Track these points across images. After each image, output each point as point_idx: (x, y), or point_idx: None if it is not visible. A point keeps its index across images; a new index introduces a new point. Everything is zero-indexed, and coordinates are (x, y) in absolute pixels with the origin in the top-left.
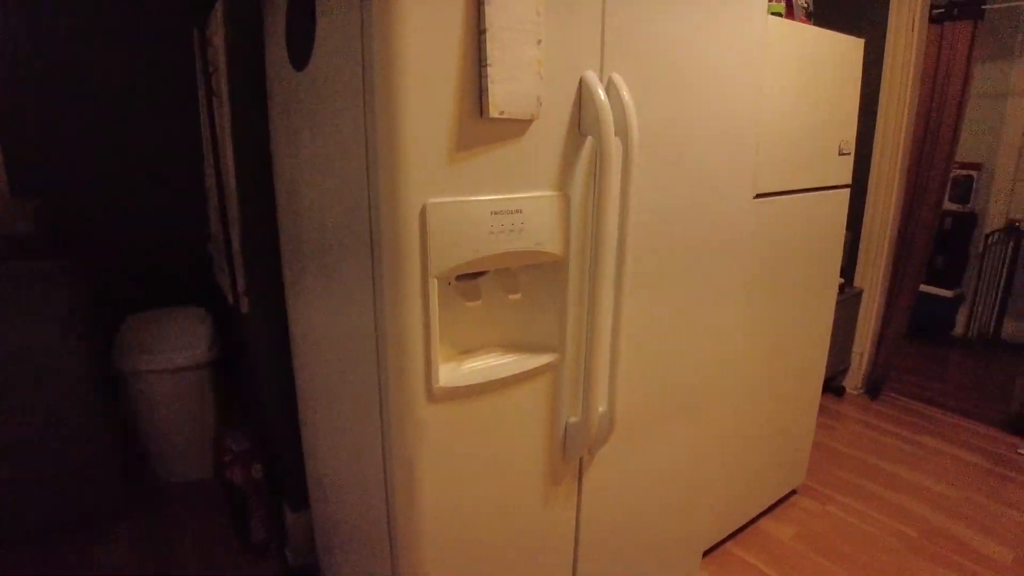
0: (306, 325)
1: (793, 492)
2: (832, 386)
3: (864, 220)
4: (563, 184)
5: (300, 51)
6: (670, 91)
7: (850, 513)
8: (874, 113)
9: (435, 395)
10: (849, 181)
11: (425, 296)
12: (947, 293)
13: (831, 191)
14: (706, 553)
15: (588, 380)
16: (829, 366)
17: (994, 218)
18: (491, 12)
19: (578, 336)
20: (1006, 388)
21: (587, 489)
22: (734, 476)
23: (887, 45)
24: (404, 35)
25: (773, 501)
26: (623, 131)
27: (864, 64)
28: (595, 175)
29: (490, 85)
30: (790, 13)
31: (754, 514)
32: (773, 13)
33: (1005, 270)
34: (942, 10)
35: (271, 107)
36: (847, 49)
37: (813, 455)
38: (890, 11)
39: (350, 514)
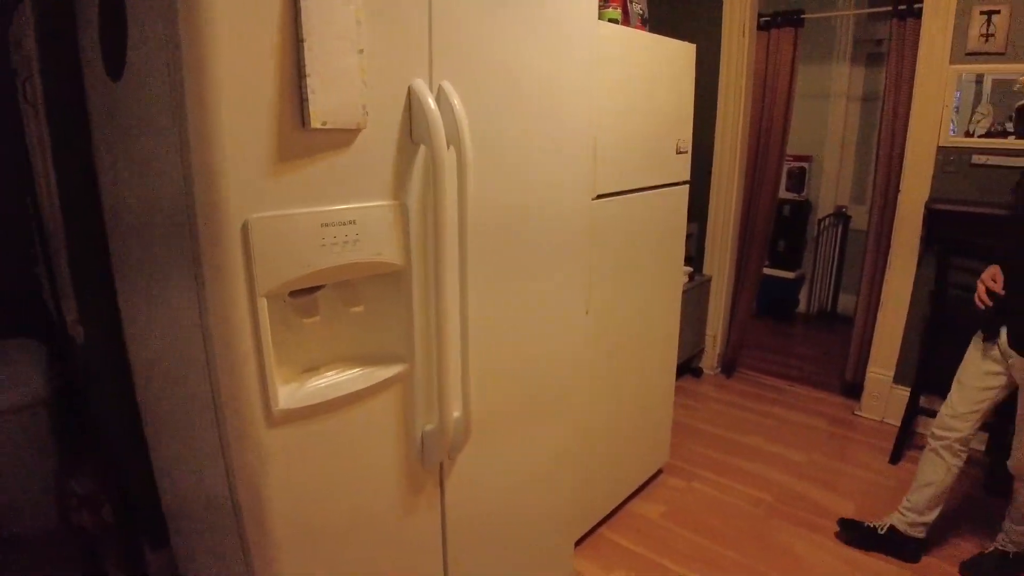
0: (144, 352)
1: (660, 472)
2: (690, 368)
3: (709, 212)
4: (399, 193)
5: (115, 59)
6: (505, 98)
7: (713, 486)
8: (715, 113)
9: (276, 419)
10: (688, 178)
11: (255, 316)
12: (789, 275)
13: (671, 188)
14: (581, 540)
15: (440, 387)
16: (686, 349)
17: (825, 205)
18: (308, 22)
19: (427, 344)
20: (842, 357)
21: (450, 493)
22: (600, 463)
23: (722, 50)
24: (215, 45)
25: (641, 482)
26: (456, 138)
27: (703, 68)
28: (431, 183)
29: (311, 95)
30: (626, 20)
31: (624, 497)
32: (610, 19)
33: (837, 251)
34: (768, 18)
35: (93, 118)
36: (680, 54)
37: (676, 434)
38: (723, 19)
39: (208, 545)
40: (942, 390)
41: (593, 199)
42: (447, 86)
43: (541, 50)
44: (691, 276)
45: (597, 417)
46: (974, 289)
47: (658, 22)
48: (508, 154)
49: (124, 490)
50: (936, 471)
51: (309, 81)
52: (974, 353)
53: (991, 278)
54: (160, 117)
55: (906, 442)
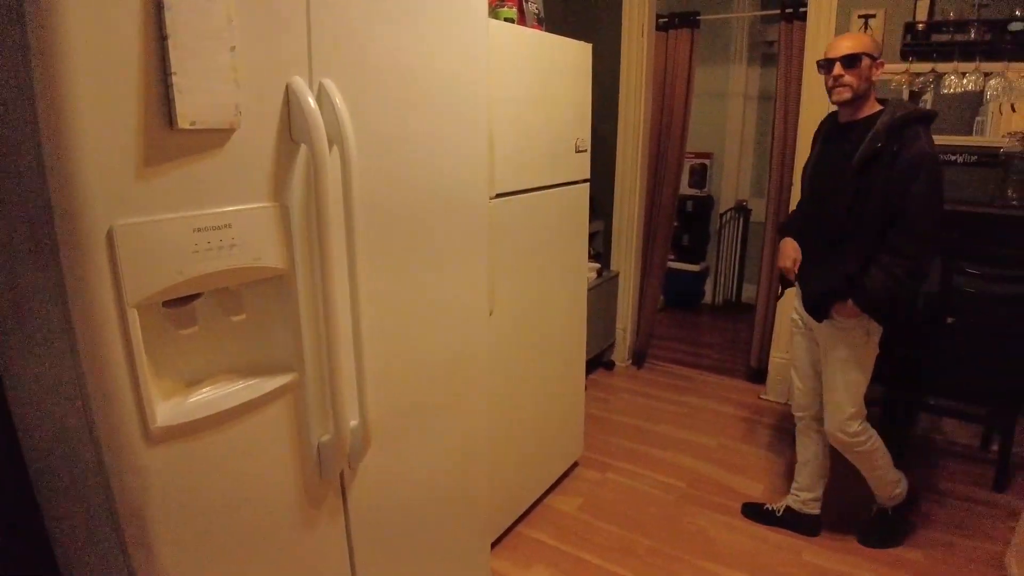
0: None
1: (576, 465)
2: (603, 361)
3: (614, 209)
4: (279, 194)
5: None
6: (394, 96)
7: (628, 476)
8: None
9: (155, 437)
10: (587, 176)
11: (125, 329)
12: (694, 267)
13: (571, 186)
14: (499, 540)
15: (334, 396)
16: (597, 343)
17: (726, 199)
18: (173, 18)
19: (317, 352)
20: (747, 344)
21: (354, 502)
22: (514, 461)
23: (622, 50)
24: (67, 43)
25: (558, 476)
26: (339, 137)
27: (605, 68)
28: (313, 183)
29: (177, 95)
30: (522, 19)
31: (541, 492)
32: (506, 19)
33: (739, 243)
34: (666, 19)
35: None
36: (577, 53)
37: (591, 427)
38: (622, 19)
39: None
40: None
41: (492, 198)
42: (328, 84)
43: (431, 48)
44: (599, 272)
45: (507, 415)
46: None
47: (558, 22)
48: (399, 152)
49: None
50: (808, 449)
51: (175, 80)
52: (794, 333)
53: (791, 261)
54: (18, 127)
55: None
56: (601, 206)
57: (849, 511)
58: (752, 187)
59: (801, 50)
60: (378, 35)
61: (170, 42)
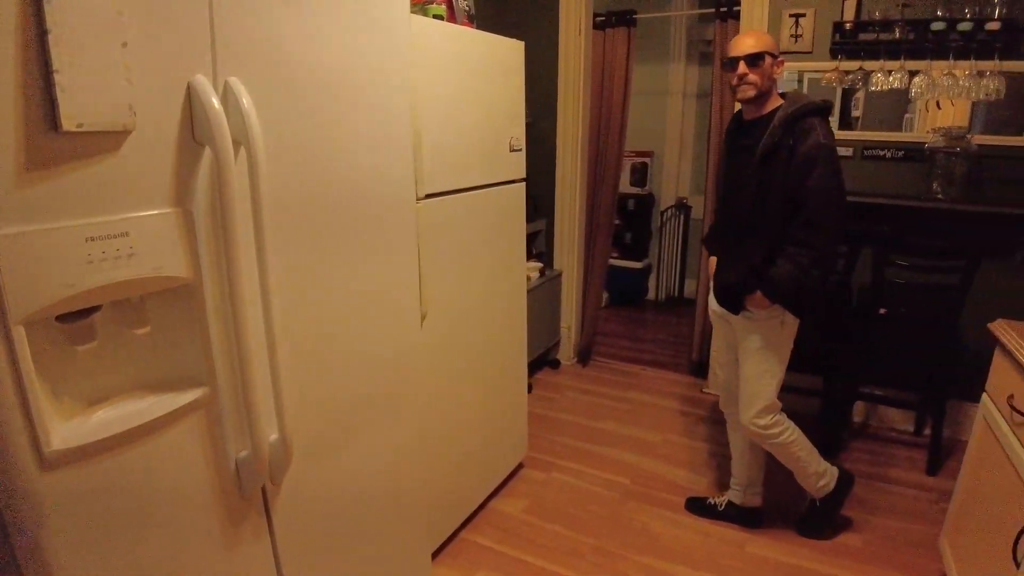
0: None
1: (520, 466)
2: (548, 360)
3: (556, 208)
4: (182, 199)
5: None
6: (308, 95)
7: (573, 475)
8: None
9: (51, 461)
10: (523, 175)
11: (10, 348)
12: (637, 265)
13: (507, 185)
14: (443, 547)
15: (249, 409)
16: (542, 343)
17: (667, 197)
18: (54, 11)
19: (230, 364)
20: (689, 339)
21: (280, 519)
22: (455, 465)
23: (559, 49)
24: None
25: (502, 479)
26: (246, 138)
27: (545, 66)
28: (218, 186)
29: (60, 94)
30: (452, 16)
31: (485, 496)
32: (435, 16)
33: (680, 239)
34: (603, 18)
35: None
36: (509, 51)
37: (536, 426)
38: (560, 18)
39: None
40: None
41: (422, 198)
42: (235, 82)
43: (349, 44)
44: (542, 272)
45: (448, 419)
46: None
47: (493, 20)
48: (315, 152)
49: None
50: (739, 442)
51: (58, 78)
52: (715, 324)
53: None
54: None
55: None
56: (543, 205)
57: (792, 502)
58: (692, 185)
59: None
60: (290, 30)
61: (51, 37)
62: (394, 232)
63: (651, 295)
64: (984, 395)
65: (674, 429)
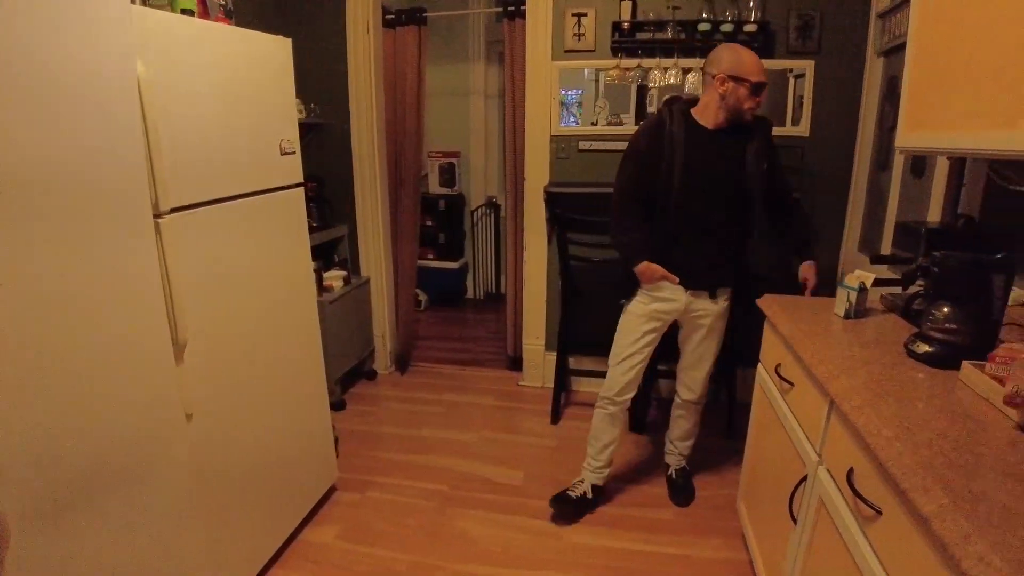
0: None
1: (332, 489)
2: (364, 371)
3: (357, 212)
4: None
5: None
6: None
7: (388, 491)
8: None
9: None
10: (300, 179)
11: None
12: (454, 264)
13: (281, 192)
14: None
15: None
16: (355, 354)
17: (477, 196)
18: None
19: None
20: (505, 334)
21: None
22: (251, 504)
23: (348, 47)
24: None
25: (311, 506)
26: None
27: (332, 65)
28: None
29: None
30: (204, 12)
31: (293, 528)
32: (183, 10)
33: (492, 237)
34: (393, 16)
35: None
36: (274, 49)
37: (353, 444)
38: (346, 15)
39: None
40: (583, 350)
41: (167, 212)
42: None
43: (46, 40)
44: (347, 280)
45: (233, 457)
46: (592, 260)
47: (271, 17)
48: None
49: None
50: (615, 430)
51: None
52: (647, 333)
53: (660, 274)
54: None
55: (562, 402)
56: (341, 210)
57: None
58: (500, 183)
59: (523, 47)
60: None
61: None
62: (124, 256)
63: (470, 294)
64: (759, 365)
65: (490, 426)
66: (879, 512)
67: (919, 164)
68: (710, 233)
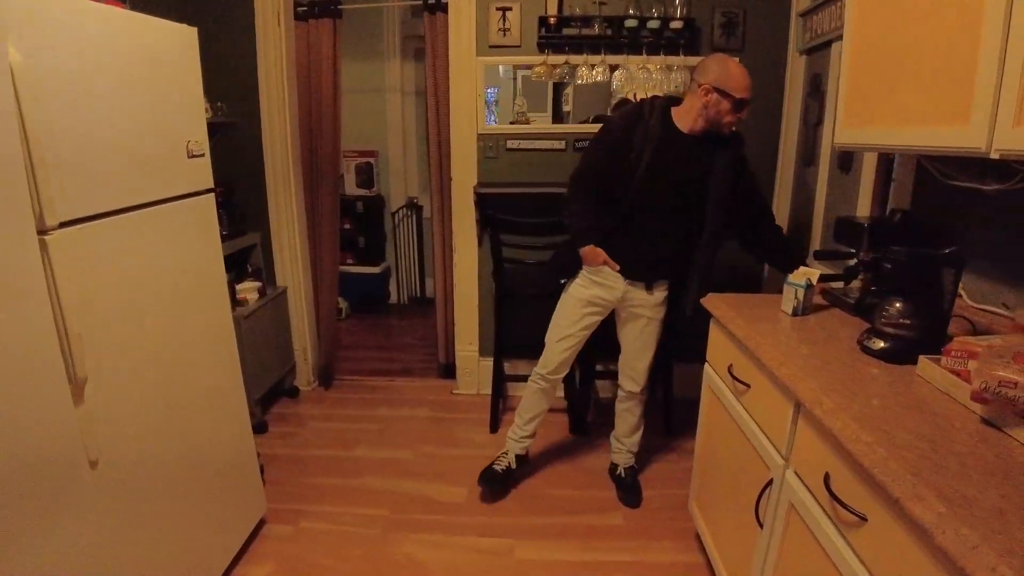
0: None
1: (262, 522)
2: (285, 389)
3: (270, 217)
4: None
5: None
6: None
7: (325, 520)
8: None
9: None
10: (210, 184)
11: None
12: (375, 269)
13: (189, 198)
14: None
15: None
16: (275, 371)
17: (397, 197)
18: None
19: None
20: (435, 340)
21: None
22: (168, 551)
23: (257, 40)
24: None
25: (240, 544)
26: None
27: (240, 60)
28: None
29: None
30: None
31: (224, 567)
32: None
33: (415, 239)
34: (305, 8)
35: None
36: (177, 39)
37: (279, 471)
38: (255, 5)
39: None
40: (519, 353)
41: (55, 228)
42: None
43: None
44: (262, 291)
45: (149, 505)
46: (526, 262)
47: (173, 5)
48: None
49: None
50: (544, 403)
51: None
52: (586, 315)
53: (603, 258)
54: None
55: (500, 408)
56: (253, 216)
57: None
58: (421, 183)
59: (445, 43)
60: None
61: None
62: (2, 281)
63: (393, 299)
64: (706, 365)
65: (427, 440)
66: (863, 519)
67: (846, 159)
68: (658, 231)
